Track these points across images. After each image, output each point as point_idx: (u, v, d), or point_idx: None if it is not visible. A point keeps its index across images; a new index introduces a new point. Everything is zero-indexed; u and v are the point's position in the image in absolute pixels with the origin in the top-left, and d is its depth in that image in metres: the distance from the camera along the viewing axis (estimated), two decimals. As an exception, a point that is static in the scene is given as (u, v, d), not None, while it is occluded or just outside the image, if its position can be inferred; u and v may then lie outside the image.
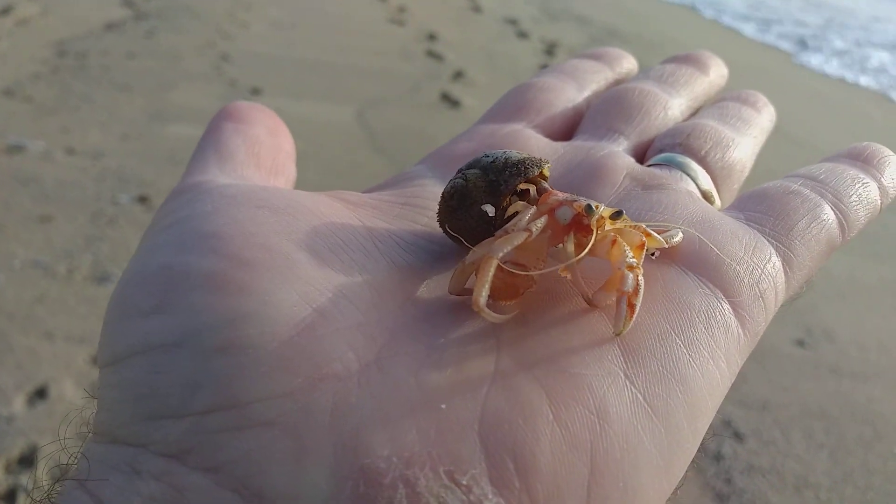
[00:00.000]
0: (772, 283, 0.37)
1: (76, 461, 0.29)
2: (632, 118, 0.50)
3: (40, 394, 1.65)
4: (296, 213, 0.36)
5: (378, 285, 0.34)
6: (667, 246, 0.36)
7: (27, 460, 1.49)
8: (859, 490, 1.83)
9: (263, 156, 0.45)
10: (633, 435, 0.29)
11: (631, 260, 0.33)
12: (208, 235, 0.33)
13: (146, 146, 2.82)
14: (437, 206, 0.40)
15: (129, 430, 0.29)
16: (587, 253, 0.34)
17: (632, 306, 0.32)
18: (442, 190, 0.41)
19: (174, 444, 0.27)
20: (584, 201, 0.35)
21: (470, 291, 0.34)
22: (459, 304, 0.34)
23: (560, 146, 0.48)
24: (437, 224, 0.40)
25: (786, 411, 2.02)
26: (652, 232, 0.35)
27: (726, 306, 0.35)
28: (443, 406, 0.28)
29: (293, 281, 0.32)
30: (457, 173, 0.40)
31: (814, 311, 2.42)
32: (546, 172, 0.39)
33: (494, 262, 0.32)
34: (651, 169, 0.44)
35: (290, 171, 0.47)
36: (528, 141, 0.48)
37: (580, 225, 0.35)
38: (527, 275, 0.34)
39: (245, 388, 0.28)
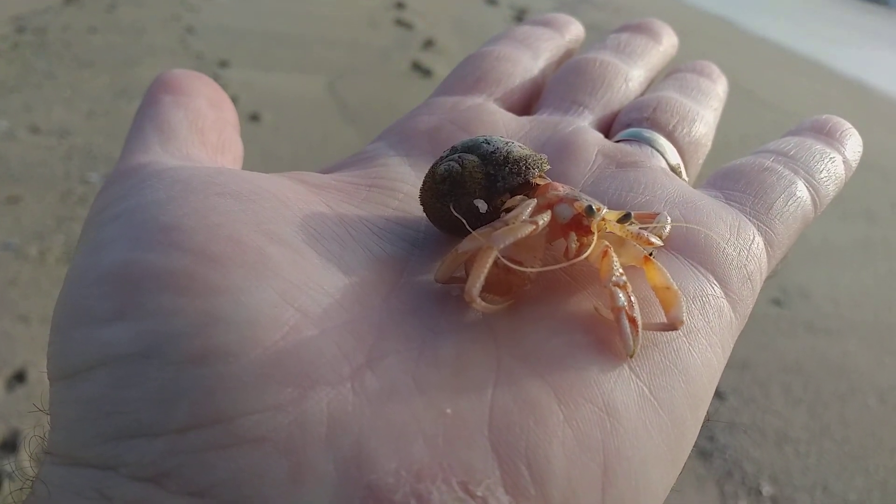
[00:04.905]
0: (758, 264, 0.37)
1: (30, 487, 0.26)
2: (595, 91, 0.50)
3: (19, 378, 1.63)
4: (260, 199, 0.33)
5: (358, 278, 0.32)
6: (663, 245, 0.35)
7: (10, 445, 1.47)
8: (836, 443, 1.87)
9: (208, 131, 0.41)
10: (642, 430, 0.28)
11: (619, 278, 0.31)
12: (167, 228, 0.30)
13: (113, 123, 2.76)
14: (420, 186, 0.38)
15: (93, 451, 0.25)
16: (577, 254, 0.33)
17: (634, 321, 0.30)
18: (405, 167, 0.39)
19: (150, 466, 0.24)
20: (584, 201, 0.33)
21: (458, 280, 0.32)
22: (445, 295, 0.33)
23: (526, 121, 0.47)
24: (411, 207, 0.38)
25: (764, 369, 2.05)
26: (653, 238, 0.34)
27: (718, 290, 0.35)
28: (448, 410, 0.26)
29: (269, 278, 0.29)
30: (450, 151, 0.37)
31: (789, 271, 2.46)
32: (545, 167, 0.37)
33: (493, 254, 0.30)
34: (621, 145, 0.44)
35: (236, 148, 0.43)
36: (493, 116, 0.47)
37: (580, 225, 0.33)
38: (522, 272, 0.32)
39: (228, 401, 0.25)
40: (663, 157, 0.44)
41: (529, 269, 0.32)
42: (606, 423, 0.28)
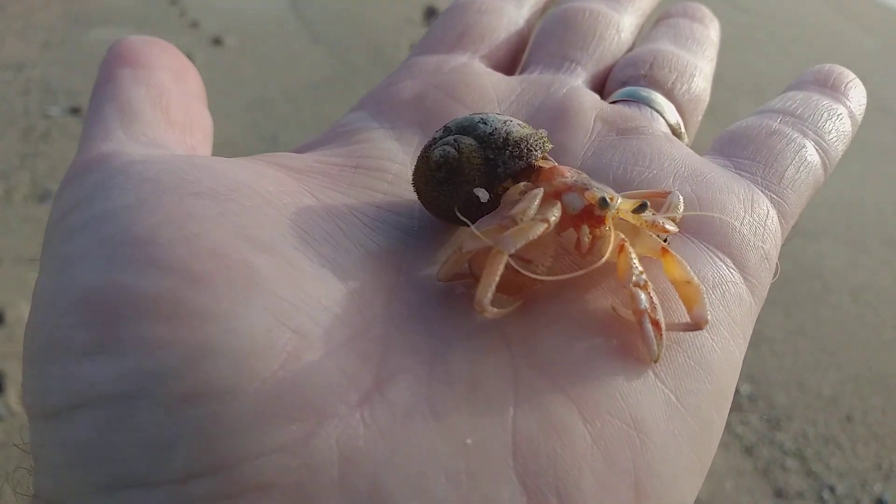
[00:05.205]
0: (773, 240, 0.36)
1: None
2: (586, 45, 0.47)
3: (-4, 317, 1.61)
4: (240, 197, 0.30)
5: (356, 283, 0.29)
6: (678, 231, 0.33)
7: (-7, 384, 1.47)
8: (811, 341, 1.92)
9: (173, 109, 0.37)
10: (671, 443, 0.27)
11: (639, 277, 0.29)
12: (141, 242, 0.26)
13: (70, 53, 2.66)
14: (409, 165, 0.35)
15: (85, 500, 0.23)
16: (590, 248, 0.31)
17: (657, 325, 0.28)
18: (391, 142, 0.36)
19: None
20: (595, 190, 0.31)
21: (461, 276, 0.30)
22: (448, 293, 0.31)
23: (515, 82, 0.44)
24: (401, 189, 0.36)
25: (740, 273, 2.08)
26: (668, 225, 0.32)
27: (737, 275, 0.33)
28: (469, 440, 0.24)
29: (259, 296, 0.26)
30: (444, 132, 0.35)
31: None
32: (548, 147, 0.35)
33: (504, 259, 0.28)
34: (620, 107, 0.42)
35: (205, 124, 0.39)
36: (481, 79, 0.44)
37: (591, 215, 0.31)
38: (535, 273, 0.30)
39: (228, 445, 0.23)
40: (662, 116, 0.43)
41: (545, 278, 0.30)
42: (636, 440, 0.26)
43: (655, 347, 0.28)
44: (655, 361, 0.28)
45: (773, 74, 3.13)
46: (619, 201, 0.31)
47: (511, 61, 0.48)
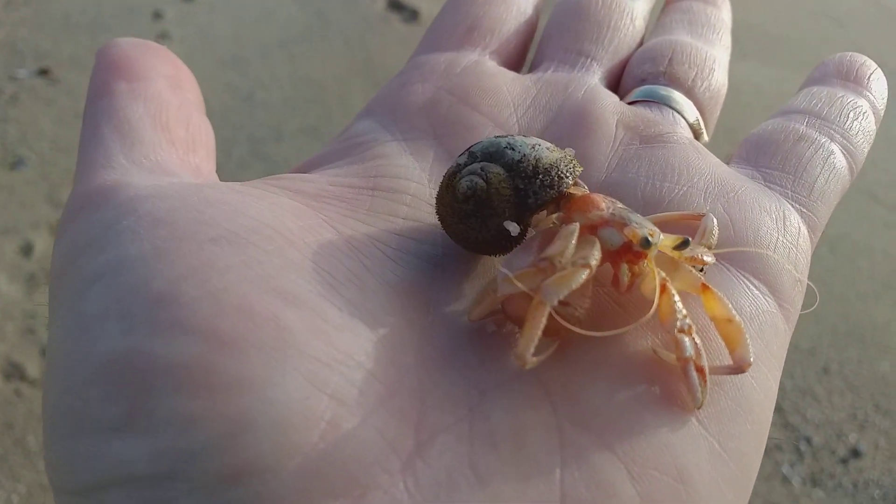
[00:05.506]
0: (805, 259, 0.36)
1: None
2: (601, 37, 0.45)
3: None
4: (260, 240, 0.28)
5: (386, 330, 0.28)
6: (714, 261, 0.32)
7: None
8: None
9: (174, 125, 0.36)
10: (715, 491, 0.27)
11: (683, 321, 0.29)
12: (164, 300, 0.25)
13: (35, 12, 2.57)
14: (430, 188, 0.34)
15: None
16: (629, 286, 0.30)
17: (702, 371, 0.28)
18: (406, 157, 0.34)
19: None
20: (636, 227, 0.30)
21: (492, 313, 0.30)
22: (479, 332, 0.30)
23: (530, 82, 0.43)
24: (421, 213, 0.35)
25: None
26: (706, 256, 0.31)
27: (773, 303, 0.33)
28: None
29: (293, 358, 0.25)
30: (469, 158, 0.33)
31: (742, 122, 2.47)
32: (578, 171, 0.33)
33: (547, 310, 0.27)
34: (641, 110, 0.41)
35: (207, 137, 0.38)
36: (495, 80, 0.42)
37: (629, 250, 0.30)
38: (573, 313, 0.29)
39: None
40: (682, 115, 0.42)
41: (590, 333, 0.29)
42: (682, 494, 0.26)
43: (700, 395, 0.28)
44: (699, 408, 0.28)
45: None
46: (660, 238, 0.30)
47: (521, 54, 0.47)
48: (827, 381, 1.73)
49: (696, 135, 0.42)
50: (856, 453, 1.56)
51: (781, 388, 1.68)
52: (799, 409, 1.65)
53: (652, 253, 0.30)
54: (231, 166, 2.08)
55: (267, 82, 2.57)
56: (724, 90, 0.45)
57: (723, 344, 0.30)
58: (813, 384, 1.71)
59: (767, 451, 1.53)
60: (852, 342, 1.84)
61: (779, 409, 1.64)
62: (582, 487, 0.25)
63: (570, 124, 0.40)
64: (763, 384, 0.30)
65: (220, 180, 0.34)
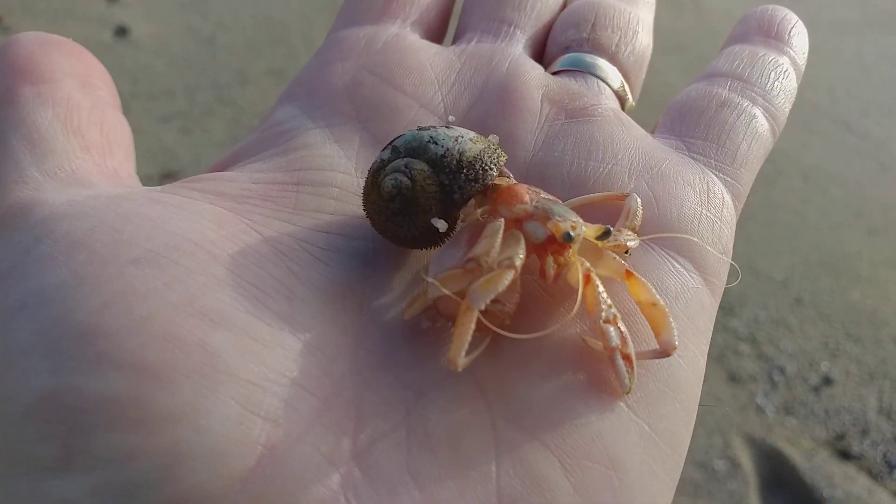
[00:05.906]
0: (730, 230, 0.36)
1: None
2: (523, 3, 0.44)
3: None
4: (181, 257, 0.28)
5: (318, 340, 0.28)
6: (638, 244, 0.33)
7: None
8: (763, 225, 1.96)
9: (86, 129, 0.34)
10: (647, 474, 0.27)
11: (609, 312, 0.29)
12: (88, 334, 0.24)
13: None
14: (357, 179, 0.33)
15: None
16: (555, 277, 0.30)
17: (628, 358, 0.29)
18: (331, 146, 0.34)
19: None
20: (559, 222, 0.30)
21: (425, 309, 0.30)
22: (413, 329, 0.30)
23: (454, 56, 0.42)
24: (349, 206, 0.34)
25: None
26: (630, 242, 0.32)
27: (698, 279, 0.33)
28: None
29: (223, 382, 0.24)
30: (392, 153, 0.33)
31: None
32: (502, 160, 0.33)
33: (476, 314, 0.28)
34: (565, 82, 0.41)
35: (123, 136, 0.36)
36: (417, 56, 0.41)
37: (554, 243, 0.30)
38: (502, 309, 0.29)
39: None
40: (607, 83, 0.41)
41: (518, 336, 0.29)
42: (614, 481, 0.26)
43: (627, 381, 0.29)
44: (627, 393, 0.29)
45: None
46: (582, 230, 0.30)
47: (443, 23, 0.46)
48: (800, 312, 1.75)
49: (622, 101, 0.42)
50: (827, 381, 1.59)
51: (755, 321, 1.70)
52: (773, 340, 1.67)
53: (575, 245, 0.30)
54: (196, 113, 2.02)
55: (229, 23, 2.49)
56: (648, 52, 0.45)
57: (648, 326, 0.30)
58: (786, 315, 1.74)
59: (743, 382, 1.56)
60: (825, 272, 1.86)
61: (753, 341, 1.66)
62: (517, 484, 0.25)
63: (495, 103, 0.39)
64: (691, 362, 0.31)
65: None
